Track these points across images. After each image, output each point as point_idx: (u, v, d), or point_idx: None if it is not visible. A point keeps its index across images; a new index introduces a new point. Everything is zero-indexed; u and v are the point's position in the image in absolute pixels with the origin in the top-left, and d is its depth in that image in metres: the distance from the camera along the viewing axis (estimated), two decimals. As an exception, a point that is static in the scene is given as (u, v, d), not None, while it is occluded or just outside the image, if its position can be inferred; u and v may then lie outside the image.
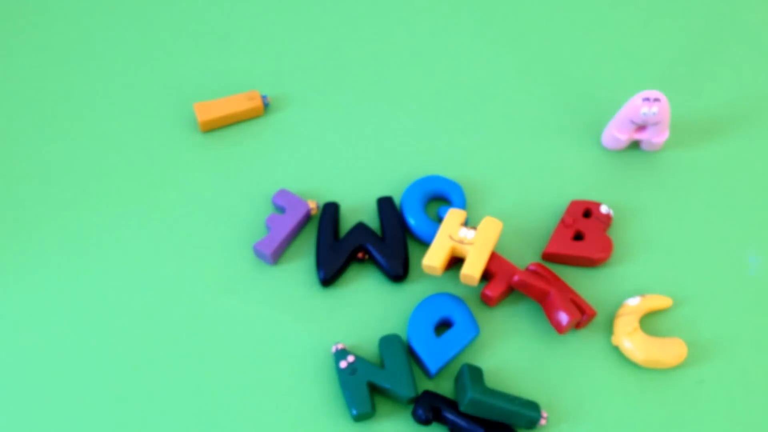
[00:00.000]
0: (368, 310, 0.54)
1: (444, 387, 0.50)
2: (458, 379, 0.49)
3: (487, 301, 0.53)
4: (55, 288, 0.54)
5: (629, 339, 0.51)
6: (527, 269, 0.54)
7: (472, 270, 0.51)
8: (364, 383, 0.48)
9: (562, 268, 0.56)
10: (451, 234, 0.53)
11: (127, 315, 0.53)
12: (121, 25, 0.70)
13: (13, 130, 0.63)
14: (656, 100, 0.57)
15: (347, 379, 0.48)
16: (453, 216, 0.54)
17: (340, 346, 0.50)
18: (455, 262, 0.54)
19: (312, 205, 0.56)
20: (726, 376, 0.51)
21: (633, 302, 0.53)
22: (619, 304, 0.54)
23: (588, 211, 0.57)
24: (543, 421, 0.48)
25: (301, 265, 0.55)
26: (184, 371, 0.51)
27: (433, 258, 0.51)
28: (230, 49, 0.68)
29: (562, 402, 0.50)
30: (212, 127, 0.62)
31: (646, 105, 0.57)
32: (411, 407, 0.49)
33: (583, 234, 0.55)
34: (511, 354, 0.52)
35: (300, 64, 0.67)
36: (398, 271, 0.54)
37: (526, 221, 0.58)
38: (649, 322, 0.53)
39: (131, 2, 0.71)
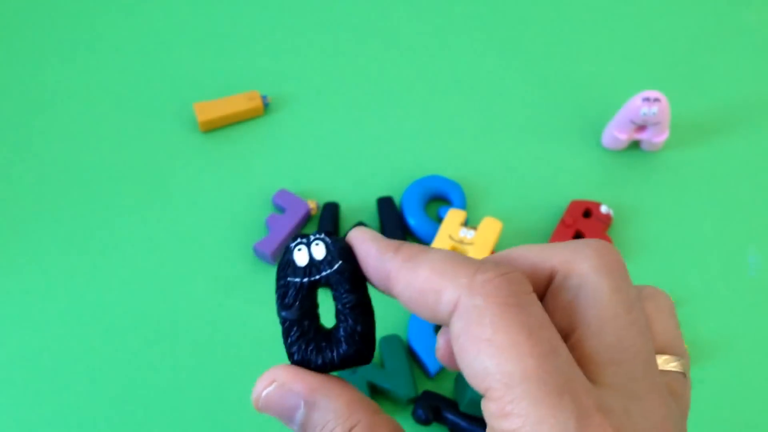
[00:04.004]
0: (368, 310, 0.53)
1: (444, 387, 0.50)
2: (458, 379, 0.49)
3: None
4: (52, 287, 0.54)
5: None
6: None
7: (472, 270, 0.51)
8: (364, 383, 0.48)
9: (562, 268, 0.56)
10: (451, 234, 0.53)
11: (125, 315, 0.53)
12: (121, 24, 0.70)
13: (10, 128, 0.63)
14: (656, 100, 0.57)
15: (347, 379, 0.48)
16: (453, 216, 0.54)
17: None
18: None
19: (312, 205, 0.56)
20: (726, 376, 0.51)
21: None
22: (619, 304, 0.54)
23: (588, 211, 0.57)
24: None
25: (301, 265, 0.55)
26: (184, 371, 0.51)
27: (433, 258, 0.51)
28: (230, 49, 0.68)
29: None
30: (212, 127, 0.62)
31: (646, 105, 0.57)
32: (411, 407, 0.49)
33: (583, 234, 0.55)
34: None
35: (300, 64, 0.67)
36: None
37: (526, 221, 0.58)
38: (649, 322, 0.53)
39: (131, 2, 0.71)
